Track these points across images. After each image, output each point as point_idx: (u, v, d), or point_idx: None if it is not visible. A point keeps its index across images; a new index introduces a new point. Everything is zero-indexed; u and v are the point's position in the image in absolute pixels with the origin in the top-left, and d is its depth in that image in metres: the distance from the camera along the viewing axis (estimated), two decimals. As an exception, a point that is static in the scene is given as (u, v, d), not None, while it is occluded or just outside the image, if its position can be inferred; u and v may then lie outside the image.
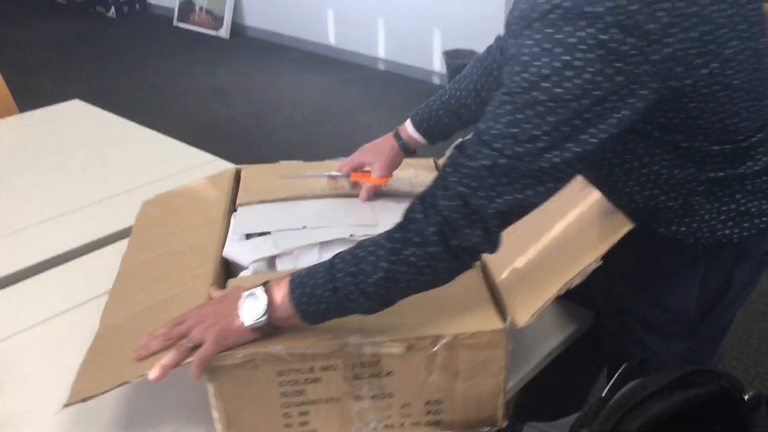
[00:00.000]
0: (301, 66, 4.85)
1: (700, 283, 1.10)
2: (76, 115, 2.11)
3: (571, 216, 1.07)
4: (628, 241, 1.04)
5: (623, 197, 1.06)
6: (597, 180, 1.09)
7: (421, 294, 0.92)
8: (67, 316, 1.24)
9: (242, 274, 1.12)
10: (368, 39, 4.83)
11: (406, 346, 0.94)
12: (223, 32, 5.47)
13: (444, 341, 0.94)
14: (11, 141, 1.96)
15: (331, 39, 5.06)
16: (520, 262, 1.04)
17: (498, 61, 1.23)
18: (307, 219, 1.21)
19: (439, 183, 0.87)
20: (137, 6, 6.15)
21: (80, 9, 6.32)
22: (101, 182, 1.67)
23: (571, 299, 1.22)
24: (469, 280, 1.02)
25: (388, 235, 0.89)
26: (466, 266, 0.91)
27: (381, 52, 4.80)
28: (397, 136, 1.29)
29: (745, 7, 0.89)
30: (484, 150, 0.84)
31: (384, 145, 1.29)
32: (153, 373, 0.89)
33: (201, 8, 5.63)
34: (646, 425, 0.87)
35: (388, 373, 0.96)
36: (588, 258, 0.92)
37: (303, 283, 0.92)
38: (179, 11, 5.76)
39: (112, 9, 6.04)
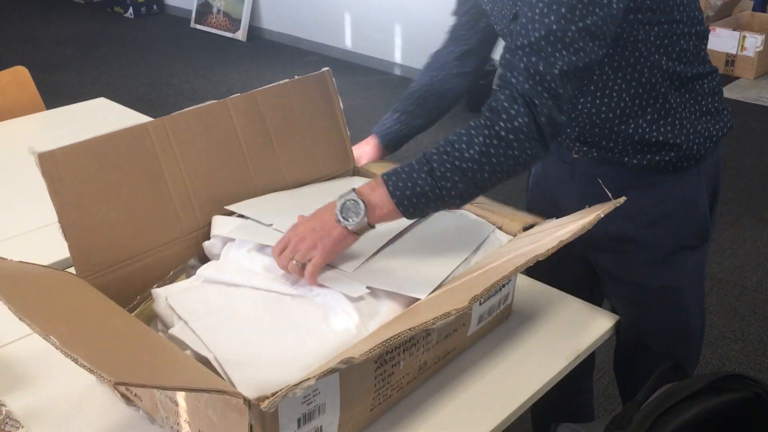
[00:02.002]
0: (317, 69, 4.87)
1: (706, 189, 1.17)
2: (102, 113, 2.13)
3: None
4: (642, 189, 1.14)
5: (613, 100, 1.12)
6: (592, 87, 1.13)
7: None
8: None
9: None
10: (385, 43, 4.85)
11: None
12: (240, 35, 5.50)
13: None
14: (41, 136, 1.99)
15: (348, 43, 5.08)
16: None
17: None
18: (283, 221, 1.14)
19: (507, 71, 0.97)
20: (155, 7, 6.20)
21: (98, 9, 6.36)
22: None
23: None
24: None
25: (478, 118, 0.96)
26: (547, 142, 0.96)
27: (397, 57, 4.82)
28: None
29: None
30: (534, 33, 0.94)
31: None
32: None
33: (218, 10, 5.67)
34: (679, 429, 0.87)
35: None
36: None
37: (397, 173, 0.97)
38: (197, 13, 5.80)
39: (130, 9, 6.08)
